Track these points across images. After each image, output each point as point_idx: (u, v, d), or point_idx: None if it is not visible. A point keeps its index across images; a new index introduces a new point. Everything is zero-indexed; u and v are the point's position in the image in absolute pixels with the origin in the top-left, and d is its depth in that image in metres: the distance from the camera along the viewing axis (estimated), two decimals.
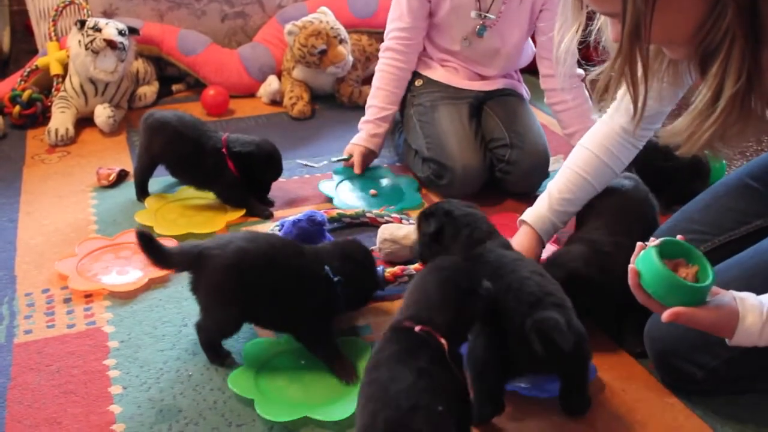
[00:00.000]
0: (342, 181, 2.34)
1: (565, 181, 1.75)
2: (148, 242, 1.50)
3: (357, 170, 2.35)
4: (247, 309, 1.53)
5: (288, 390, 1.48)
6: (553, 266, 1.56)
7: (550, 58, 2.24)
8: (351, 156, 2.37)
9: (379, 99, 2.37)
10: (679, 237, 1.30)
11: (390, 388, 1.14)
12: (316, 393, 1.47)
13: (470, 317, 1.30)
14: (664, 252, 1.26)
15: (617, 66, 1.27)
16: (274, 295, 1.51)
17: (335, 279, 1.53)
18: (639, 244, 1.30)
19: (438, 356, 1.20)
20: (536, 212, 1.76)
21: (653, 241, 1.28)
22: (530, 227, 1.75)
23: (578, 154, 1.76)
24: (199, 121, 2.17)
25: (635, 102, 1.31)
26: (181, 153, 2.11)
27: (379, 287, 1.70)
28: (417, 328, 1.22)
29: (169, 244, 1.81)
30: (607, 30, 1.37)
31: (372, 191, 2.29)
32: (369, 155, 2.39)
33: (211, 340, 1.56)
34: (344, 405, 1.41)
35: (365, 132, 2.37)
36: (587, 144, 1.74)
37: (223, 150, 2.08)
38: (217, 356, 1.56)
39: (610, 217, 1.70)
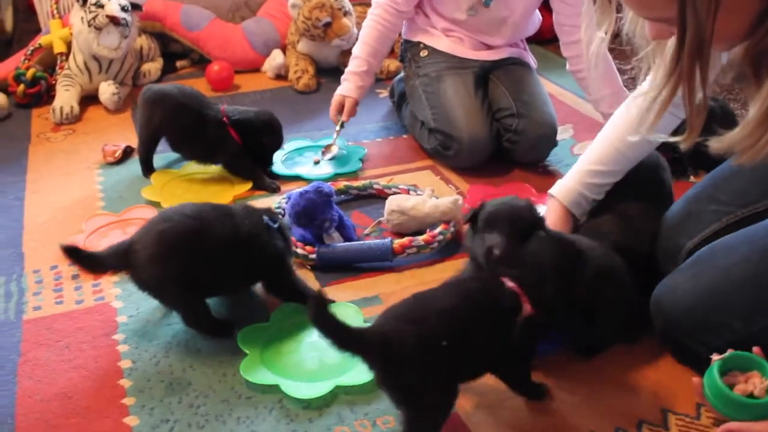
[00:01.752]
0: (292, 151, 2.36)
1: (598, 153, 1.66)
2: (75, 255, 1.50)
3: (347, 117, 2.34)
4: (198, 285, 1.50)
5: (304, 366, 1.47)
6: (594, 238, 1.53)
7: (569, 24, 2.20)
8: (343, 125, 2.34)
9: (365, 52, 2.33)
10: (755, 350, 1.27)
11: (420, 301, 1.24)
12: (332, 363, 1.46)
13: (571, 295, 1.29)
14: (734, 365, 1.27)
15: (670, 84, 1.14)
16: (219, 261, 1.50)
17: (275, 225, 1.57)
18: (713, 357, 1.28)
19: (497, 313, 1.24)
20: (563, 185, 1.69)
21: (719, 356, 1.27)
22: (557, 201, 1.69)
23: (620, 121, 1.65)
24: (199, 93, 2.17)
25: (692, 120, 1.18)
26: (183, 125, 2.10)
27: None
28: (509, 284, 1.25)
29: None
30: (637, 24, 1.27)
31: (315, 158, 2.31)
32: (356, 105, 2.37)
33: (197, 324, 1.55)
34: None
35: (353, 83, 2.34)
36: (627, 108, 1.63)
37: (224, 120, 2.08)
38: (217, 330, 1.55)
39: (627, 185, 1.67)
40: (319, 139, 2.43)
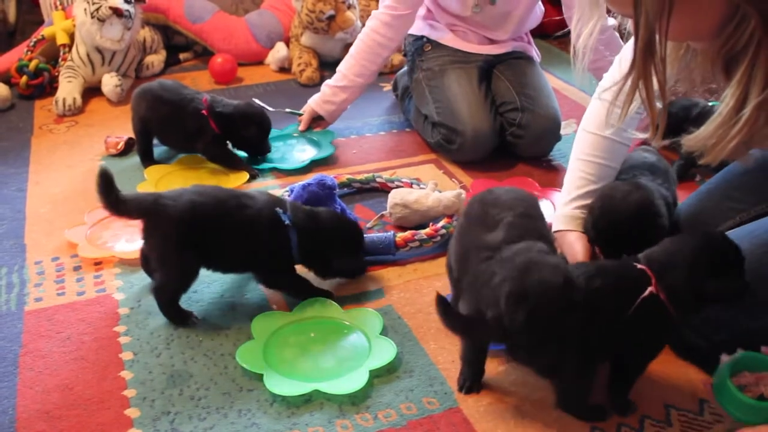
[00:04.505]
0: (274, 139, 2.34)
1: (582, 175, 1.63)
2: (107, 183, 1.51)
3: (301, 127, 2.37)
4: (201, 255, 1.55)
5: (297, 363, 1.46)
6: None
7: None
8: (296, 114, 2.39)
9: (347, 67, 2.31)
10: (764, 349, 1.26)
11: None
12: (326, 366, 1.46)
13: (705, 297, 1.24)
14: (743, 365, 1.25)
15: (630, 80, 1.18)
16: (224, 242, 1.55)
17: (286, 222, 1.56)
18: (722, 357, 1.27)
19: (623, 287, 1.23)
20: (565, 216, 1.62)
21: (729, 357, 1.26)
22: (570, 232, 1.61)
23: (584, 140, 1.65)
24: (179, 86, 2.19)
25: (653, 120, 1.22)
26: (161, 115, 2.14)
27: (355, 269, 1.70)
28: (639, 265, 1.24)
29: None
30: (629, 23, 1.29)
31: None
32: (318, 119, 2.37)
33: (173, 295, 1.56)
34: (354, 378, 1.40)
35: (320, 96, 2.35)
36: (590, 128, 1.64)
37: (204, 111, 2.11)
38: (180, 316, 1.57)
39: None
40: (317, 131, 2.41)
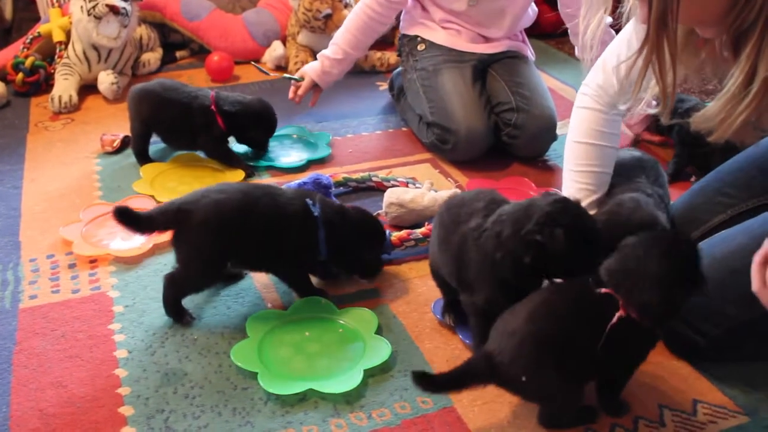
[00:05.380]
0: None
1: (581, 186, 1.64)
2: (125, 215, 1.50)
3: (300, 92, 2.39)
4: (227, 257, 1.56)
5: (292, 362, 1.46)
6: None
7: (576, 15, 2.21)
8: (303, 79, 2.40)
9: (343, 41, 2.35)
10: None
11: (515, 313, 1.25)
12: (320, 365, 1.46)
13: (678, 304, 1.22)
14: None
15: (644, 54, 1.21)
16: (253, 239, 1.53)
17: (316, 214, 1.56)
18: None
19: (589, 313, 1.22)
20: None
21: None
22: None
23: (575, 151, 1.66)
24: (181, 84, 2.19)
25: (663, 91, 1.25)
26: (169, 118, 2.13)
27: (371, 272, 1.70)
28: (603, 290, 1.22)
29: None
30: (637, 12, 1.31)
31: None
32: (316, 88, 2.41)
33: (184, 294, 1.57)
34: (348, 377, 1.40)
35: (320, 66, 2.37)
36: (578, 138, 1.65)
37: (212, 107, 2.11)
38: (178, 312, 1.57)
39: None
40: (313, 133, 2.42)
